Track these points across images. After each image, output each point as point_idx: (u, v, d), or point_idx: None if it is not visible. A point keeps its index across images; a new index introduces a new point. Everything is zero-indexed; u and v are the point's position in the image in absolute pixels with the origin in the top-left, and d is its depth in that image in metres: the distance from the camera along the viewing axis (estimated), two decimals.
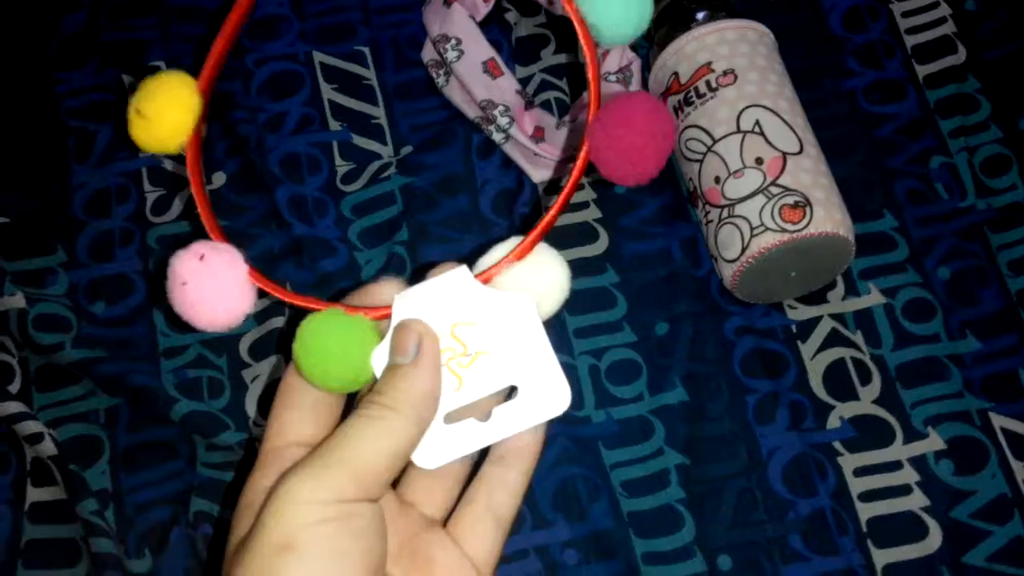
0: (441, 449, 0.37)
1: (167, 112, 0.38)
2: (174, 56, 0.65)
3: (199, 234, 0.39)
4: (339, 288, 0.59)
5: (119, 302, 0.59)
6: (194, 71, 0.63)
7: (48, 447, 0.54)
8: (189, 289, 0.37)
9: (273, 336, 0.58)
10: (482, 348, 0.38)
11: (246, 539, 0.34)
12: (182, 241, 0.59)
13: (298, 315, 0.37)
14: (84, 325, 0.58)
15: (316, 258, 0.59)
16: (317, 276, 0.59)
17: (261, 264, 0.60)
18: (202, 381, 0.57)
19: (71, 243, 0.60)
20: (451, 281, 0.38)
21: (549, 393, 0.38)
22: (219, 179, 0.62)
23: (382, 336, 0.37)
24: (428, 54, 0.65)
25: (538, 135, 0.61)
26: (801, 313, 0.58)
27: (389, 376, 0.36)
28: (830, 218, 0.54)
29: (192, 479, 0.54)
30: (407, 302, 0.37)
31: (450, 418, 0.37)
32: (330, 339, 0.36)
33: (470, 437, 0.37)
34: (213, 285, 0.37)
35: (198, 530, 0.53)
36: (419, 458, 0.37)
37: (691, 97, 0.58)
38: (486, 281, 0.38)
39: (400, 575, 0.37)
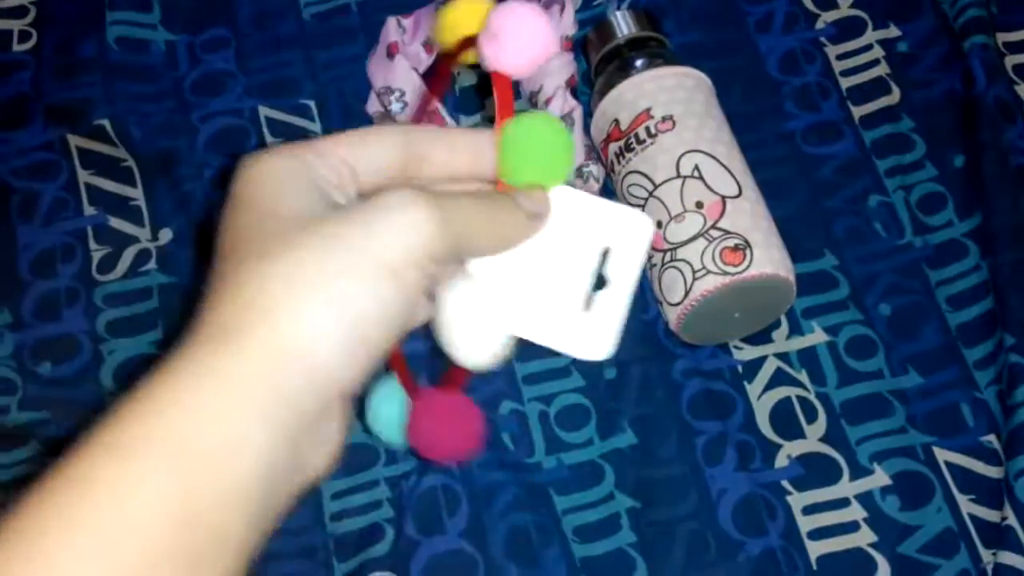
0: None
1: None
2: (120, 113, 0.65)
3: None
4: None
5: (65, 362, 0.59)
6: (140, 129, 0.64)
7: None
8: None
9: None
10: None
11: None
12: (129, 299, 0.60)
13: None
14: (30, 386, 0.58)
15: None
16: None
17: None
18: None
19: (16, 304, 0.60)
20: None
21: (592, 334, 0.38)
22: (165, 235, 0.62)
23: None
24: (373, 106, 0.65)
25: None
26: (747, 353, 0.59)
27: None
28: (769, 259, 0.55)
29: None
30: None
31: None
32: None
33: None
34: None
35: None
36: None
37: (632, 143, 0.59)
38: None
39: None
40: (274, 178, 0.35)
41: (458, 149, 0.39)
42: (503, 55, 0.38)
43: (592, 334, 0.39)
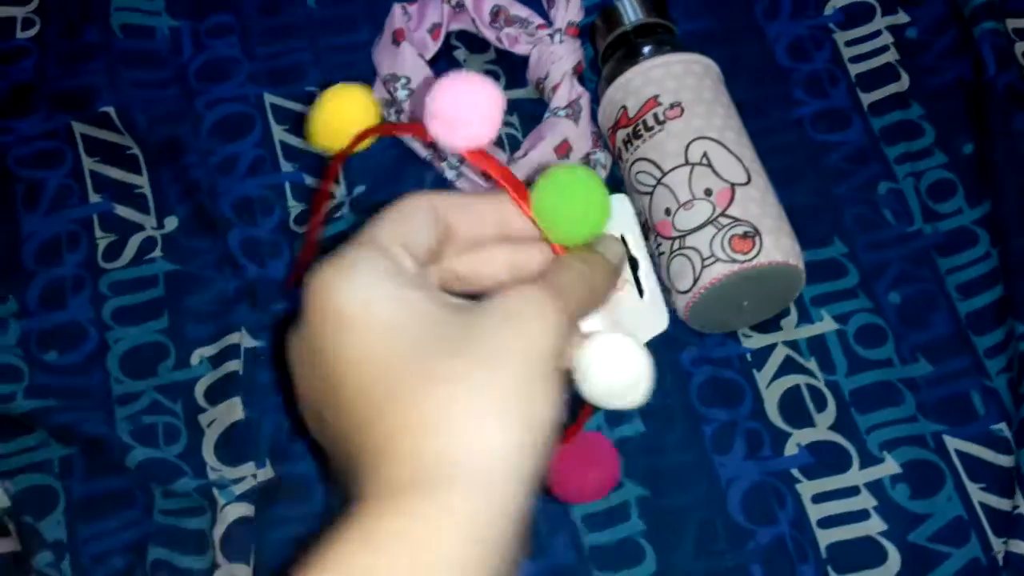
0: None
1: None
2: (123, 101, 0.64)
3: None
4: None
5: (72, 350, 0.58)
6: (145, 116, 0.64)
7: (1, 499, 0.53)
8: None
9: (229, 380, 0.57)
10: None
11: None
12: (135, 286, 0.60)
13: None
14: (36, 374, 0.58)
15: (270, 300, 0.59)
16: (272, 318, 0.59)
17: (215, 307, 0.59)
18: (157, 427, 0.56)
19: (22, 292, 0.60)
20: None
21: (653, 312, 0.41)
22: (171, 223, 0.62)
23: None
24: (379, 93, 0.65)
25: None
26: (756, 341, 0.59)
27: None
28: (779, 247, 0.55)
29: (148, 527, 0.54)
30: None
31: None
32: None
33: None
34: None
35: None
36: None
37: (639, 131, 0.59)
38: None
39: None
40: (376, 289, 0.35)
41: (485, 221, 0.40)
42: (467, 134, 0.38)
43: (653, 312, 0.41)
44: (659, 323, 0.43)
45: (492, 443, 0.33)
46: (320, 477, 0.55)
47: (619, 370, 0.37)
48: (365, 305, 0.35)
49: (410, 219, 0.38)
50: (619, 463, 0.43)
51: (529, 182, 0.53)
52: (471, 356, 0.34)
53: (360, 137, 0.41)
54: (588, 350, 0.37)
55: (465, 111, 0.38)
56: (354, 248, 0.37)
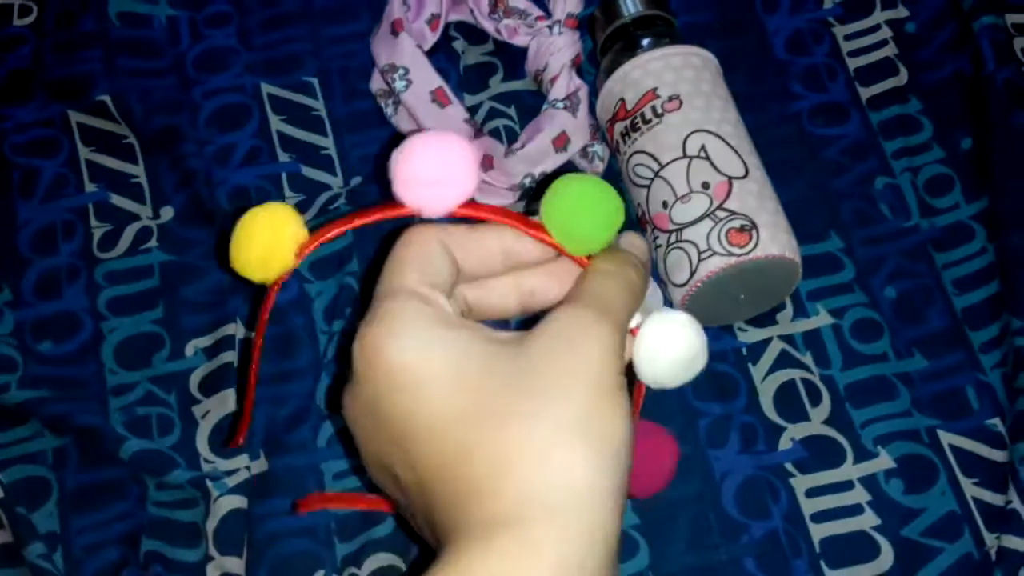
0: None
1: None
2: (120, 90, 0.64)
3: None
4: (292, 321, 0.59)
5: (66, 340, 0.58)
6: (141, 105, 0.63)
7: None
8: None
9: (223, 371, 0.57)
10: None
11: None
12: (130, 277, 0.60)
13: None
14: (30, 364, 0.57)
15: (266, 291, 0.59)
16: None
17: (212, 297, 0.59)
18: (151, 418, 0.56)
19: (16, 281, 0.60)
20: None
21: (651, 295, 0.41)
22: (167, 213, 0.62)
23: None
24: (376, 84, 0.65)
25: (487, 163, 0.61)
26: (751, 335, 0.59)
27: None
28: (776, 241, 0.55)
29: (142, 519, 0.54)
30: None
31: None
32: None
33: None
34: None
35: (148, 571, 0.53)
36: None
37: (637, 123, 0.59)
38: None
39: None
40: (424, 340, 0.35)
41: (491, 253, 0.39)
42: (452, 196, 0.36)
43: (654, 294, 0.42)
44: (657, 301, 0.43)
45: (571, 472, 0.33)
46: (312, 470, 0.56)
47: (683, 345, 0.38)
48: (419, 358, 0.35)
49: (430, 258, 0.37)
50: (678, 451, 0.44)
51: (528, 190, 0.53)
52: (535, 388, 0.34)
53: (301, 254, 0.39)
54: (647, 335, 0.37)
55: (441, 169, 0.36)
56: (389, 300, 0.36)
